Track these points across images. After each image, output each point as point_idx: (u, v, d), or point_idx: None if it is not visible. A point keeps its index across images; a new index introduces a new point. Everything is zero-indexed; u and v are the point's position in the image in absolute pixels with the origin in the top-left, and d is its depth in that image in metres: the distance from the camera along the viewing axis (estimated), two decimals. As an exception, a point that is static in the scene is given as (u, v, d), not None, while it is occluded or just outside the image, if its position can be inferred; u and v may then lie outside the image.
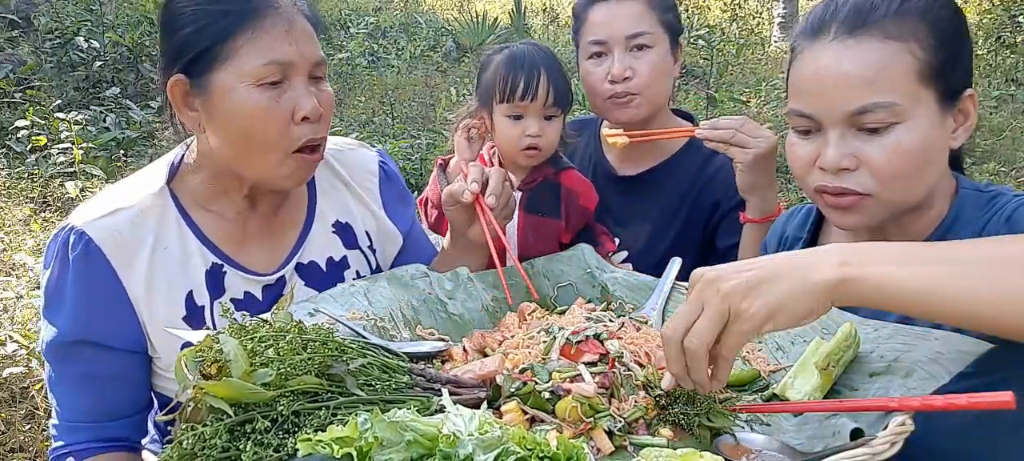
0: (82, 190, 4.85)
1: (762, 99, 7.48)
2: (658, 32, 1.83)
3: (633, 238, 1.93)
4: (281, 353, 1.01)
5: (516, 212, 1.73)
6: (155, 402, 1.47)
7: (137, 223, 1.37)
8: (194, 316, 1.39)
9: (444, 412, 0.97)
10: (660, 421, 1.11)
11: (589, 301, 1.54)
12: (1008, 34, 8.36)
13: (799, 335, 1.31)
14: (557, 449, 0.87)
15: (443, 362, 1.28)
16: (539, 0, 12.24)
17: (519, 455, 0.85)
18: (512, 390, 1.10)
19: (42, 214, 4.88)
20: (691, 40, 7.64)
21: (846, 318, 1.25)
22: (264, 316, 1.12)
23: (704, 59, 7.39)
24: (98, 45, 7.26)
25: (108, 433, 1.40)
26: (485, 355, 1.29)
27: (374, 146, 1.73)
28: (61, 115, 5.43)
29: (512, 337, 1.34)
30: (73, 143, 5.14)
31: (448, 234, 1.63)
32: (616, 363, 1.17)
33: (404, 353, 1.20)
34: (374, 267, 1.59)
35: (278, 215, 1.50)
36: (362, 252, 1.58)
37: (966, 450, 1.16)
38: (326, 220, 1.55)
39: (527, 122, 1.72)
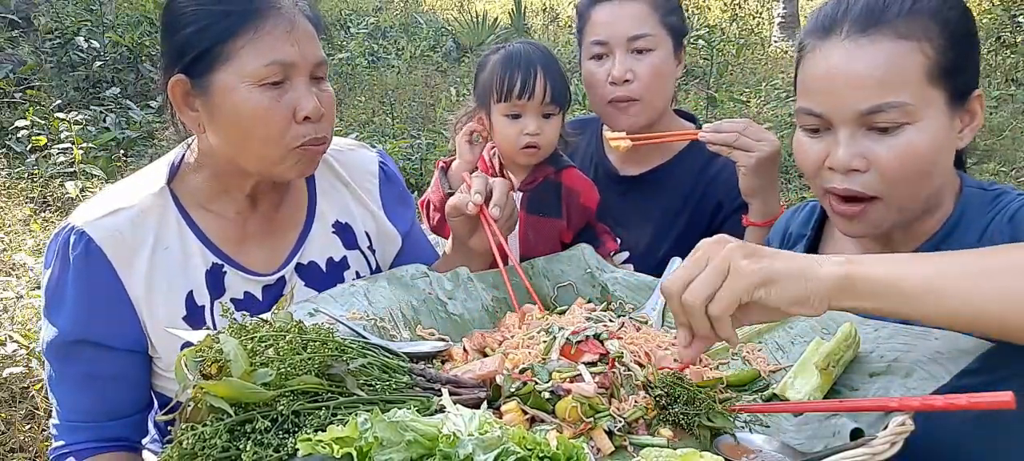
0: (82, 190, 4.85)
1: (762, 99, 7.48)
2: (661, 34, 1.82)
3: (635, 238, 1.92)
4: (281, 353, 1.01)
5: (518, 212, 1.74)
6: (155, 402, 1.47)
7: (137, 223, 1.37)
8: (194, 316, 1.39)
9: (444, 412, 0.97)
10: (660, 421, 1.11)
11: (589, 301, 1.54)
12: (1008, 34, 8.36)
13: (799, 335, 1.31)
14: (557, 449, 0.87)
15: (443, 362, 1.28)
16: (539, 0, 12.24)
17: (519, 455, 0.85)
18: (512, 390, 1.10)
19: (42, 214, 4.88)
20: (691, 40, 7.63)
21: (846, 318, 1.25)
22: (264, 316, 1.12)
23: (704, 59, 7.39)
24: (98, 45, 7.26)
25: (108, 433, 1.41)
26: (485, 355, 1.29)
27: (374, 146, 1.73)
28: (61, 115, 5.43)
29: (512, 337, 1.34)
30: (73, 143, 5.14)
31: (450, 240, 1.63)
32: (616, 363, 1.17)
33: (404, 353, 1.20)
34: (374, 267, 1.60)
35: (278, 215, 1.50)
36: (362, 253, 1.58)
37: (966, 449, 1.16)
38: (326, 220, 1.55)
39: (525, 121, 1.72)
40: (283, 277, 1.48)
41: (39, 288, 1.53)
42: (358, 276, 1.55)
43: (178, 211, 1.41)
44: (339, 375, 1.04)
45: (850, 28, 1.17)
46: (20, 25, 7.93)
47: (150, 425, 1.51)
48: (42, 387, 2.91)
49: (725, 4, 11.26)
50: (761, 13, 11.27)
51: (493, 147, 1.79)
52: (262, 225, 1.48)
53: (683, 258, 1.60)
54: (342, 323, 1.28)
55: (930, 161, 1.16)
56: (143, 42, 7.39)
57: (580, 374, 1.14)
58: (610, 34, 1.81)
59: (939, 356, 1.07)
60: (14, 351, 3.14)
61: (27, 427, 2.93)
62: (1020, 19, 8.50)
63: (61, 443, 1.41)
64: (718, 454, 0.98)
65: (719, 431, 1.09)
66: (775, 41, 10.08)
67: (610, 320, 1.40)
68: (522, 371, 1.15)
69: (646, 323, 1.42)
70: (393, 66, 9.07)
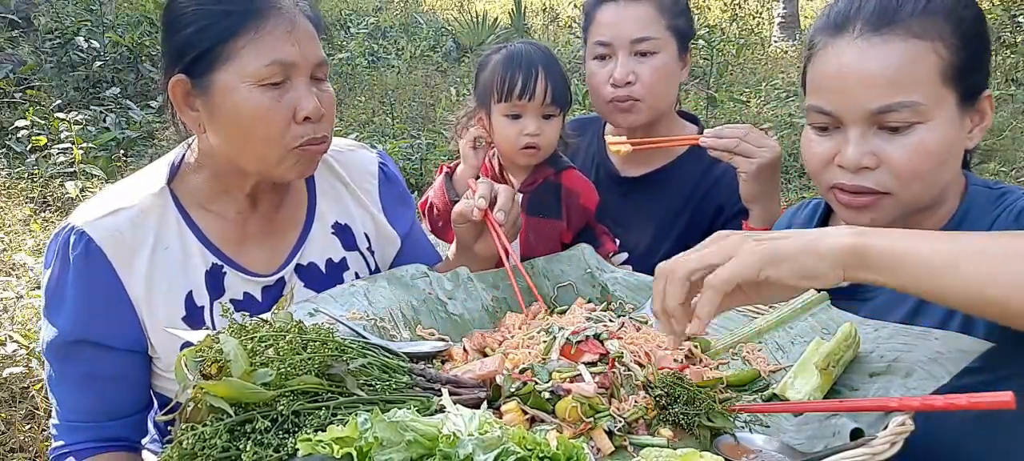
0: (82, 190, 4.85)
1: (762, 99, 7.48)
2: (665, 37, 1.81)
3: (635, 239, 1.92)
4: (281, 353, 1.01)
5: (521, 220, 1.74)
6: (155, 402, 1.47)
7: (137, 223, 1.37)
8: (194, 316, 1.39)
9: (444, 412, 0.97)
10: (660, 421, 1.11)
11: (589, 301, 1.54)
12: (1008, 34, 8.36)
13: (799, 335, 1.31)
14: (557, 449, 0.87)
15: (443, 362, 1.28)
16: (539, 0, 12.24)
17: (519, 455, 0.85)
18: (512, 390, 1.10)
19: (42, 214, 4.88)
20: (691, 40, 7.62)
21: (846, 318, 1.25)
22: (264, 316, 1.12)
23: (704, 59, 7.38)
24: (98, 45, 7.26)
25: (108, 433, 1.40)
26: (485, 355, 1.29)
27: (375, 147, 1.73)
28: (61, 115, 5.43)
29: (512, 337, 1.34)
30: (73, 143, 5.14)
31: (454, 246, 1.64)
32: (616, 363, 1.17)
33: (404, 353, 1.20)
34: (373, 268, 1.59)
35: (278, 216, 1.50)
36: (361, 254, 1.58)
37: (966, 449, 1.16)
38: (326, 221, 1.55)
39: (525, 121, 1.72)
40: (282, 278, 1.48)
41: (39, 288, 1.53)
42: (357, 277, 1.55)
43: (178, 211, 1.41)
44: (339, 375, 1.04)
45: (863, 26, 1.17)
46: (20, 25, 7.93)
47: (150, 425, 1.51)
48: (42, 387, 2.91)
49: (725, 4, 11.25)
50: (761, 13, 11.27)
51: (493, 149, 1.79)
52: (262, 226, 1.48)
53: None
54: (342, 323, 1.28)
55: (940, 160, 1.16)
56: (143, 42, 7.39)
57: (580, 374, 1.14)
58: (614, 35, 1.81)
59: (939, 356, 1.07)
60: (14, 351, 3.13)
61: (27, 427, 2.93)
62: (1020, 19, 8.50)
63: (61, 443, 1.40)
64: (718, 454, 0.98)
65: (719, 431, 1.09)
66: (775, 41, 10.08)
67: (610, 320, 1.40)
68: (522, 371, 1.15)
69: (646, 323, 1.42)
70: (393, 66, 9.07)
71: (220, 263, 1.42)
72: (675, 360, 1.25)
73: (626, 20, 1.80)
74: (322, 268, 1.52)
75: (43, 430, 2.87)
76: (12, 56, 7.11)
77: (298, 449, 0.87)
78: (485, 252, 1.55)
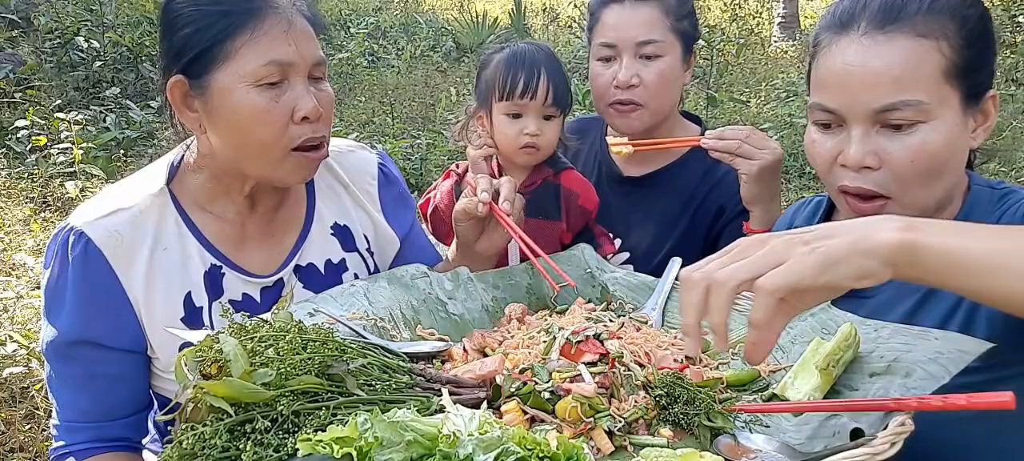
0: (82, 190, 4.86)
1: (762, 99, 7.48)
2: (670, 40, 1.81)
3: (636, 239, 1.92)
4: (281, 353, 1.01)
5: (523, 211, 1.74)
6: (155, 402, 1.47)
7: (137, 224, 1.37)
8: (192, 317, 1.39)
9: (444, 412, 0.97)
10: (660, 421, 1.11)
11: (589, 301, 1.54)
12: (1008, 34, 8.37)
13: (799, 335, 1.31)
14: (557, 449, 0.87)
15: (443, 362, 1.28)
16: (539, 0, 12.24)
17: (519, 455, 0.85)
18: (512, 390, 1.10)
19: (42, 214, 4.88)
20: (691, 40, 7.62)
21: (846, 318, 1.25)
22: (264, 316, 1.12)
23: (704, 59, 7.38)
24: (98, 45, 7.26)
25: (108, 433, 1.40)
26: (485, 355, 1.29)
27: (374, 147, 1.73)
28: (61, 115, 5.43)
29: (512, 337, 1.34)
30: (73, 143, 5.14)
31: (453, 246, 1.63)
32: (616, 363, 1.17)
33: (404, 353, 1.20)
34: (372, 270, 1.59)
35: (277, 217, 1.50)
36: (360, 255, 1.58)
37: (966, 449, 1.16)
38: (325, 222, 1.55)
39: (526, 120, 1.72)
40: (281, 279, 1.48)
41: (39, 288, 1.52)
42: (356, 278, 1.55)
43: (177, 212, 1.41)
44: (339, 375, 1.04)
45: (868, 25, 1.16)
46: (20, 25, 7.93)
47: (150, 425, 1.51)
48: (42, 387, 2.91)
49: (725, 4, 11.25)
50: (761, 13, 11.27)
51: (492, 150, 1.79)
52: (261, 227, 1.48)
53: (683, 260, 1.62)
54: (342, 323, 1.28)
55: (943, 160, 1.16)
56: (143, 42, 7.40)
57: (580, 374, 1.14)
58: (619, 37, 1.80)
59: (939, 356, 1.07)
60: (14, 351, 3.13)
61: (27, 427, 2.93)
62: (1020, 19, 8.51)
63: (61, 443, 1.40)
64: (718, 454, 0.98)
65: (719, 431, 1.09)
66: (775, 41, 10.08)
67: (610, 320, 1.40)
68: (522, 371, 1.15)
69: (646, 323, 1.42)
70: (393, 66, 9.07)
71: (219, 264, 1.42)
72: (675, 360, 1.25)
73: (631, 23, 1.79)
74: (321, 269, 1.52)
75: (43, 430, 2.88)
76: (12, 56, 7.11)
77: (298, 449, 0.87)
78: (488, 250, 1.54)
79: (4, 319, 3.41)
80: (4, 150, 5.74)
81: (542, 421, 1.07)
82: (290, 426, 0.96)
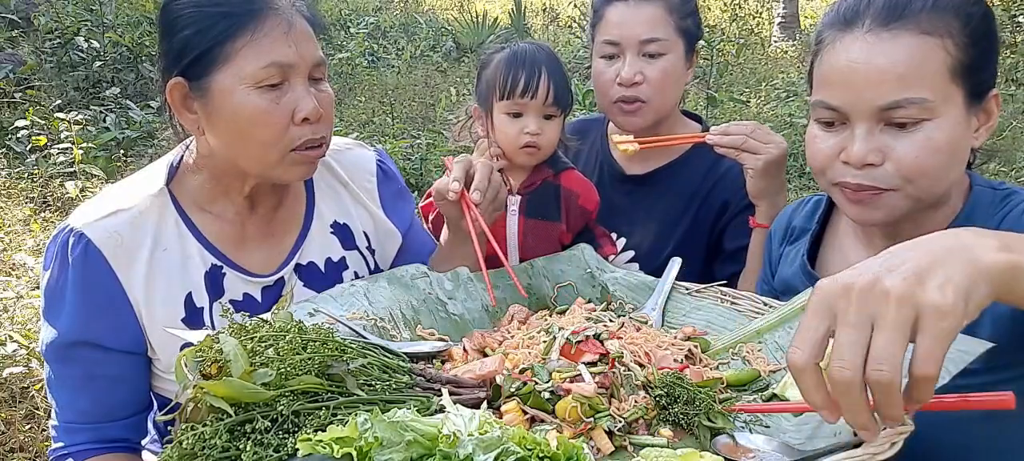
0: (82, 190, 4.85)
1: (762, 99, 7.48)
2: (673, 39, 1.81)
3: (640, 237, 1.92)
4: (281, 353, 1.01)
5: (517, 217, 1.74)
6: (155, 403, 1.47)
7: (136, 224, 1.37)
8: (193, 317, 1.39)
9: (444, 412, 0.97)
10: (660, 421, 1.11)
11: (589, 301, 1.54)
12: (1008, 34, 8.37)
13: (799, 335, 1.31)
14: (557, 449, 0.87)
15: (443, 362, 1.28)
16: (539, 0, 12.23)
17: (519, 455, 0.85)
18: (512, 390, 1.10)
19: (42, 214, 4.88)
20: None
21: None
22: (264, 316, 1.12)
23: (704, 59, 7.38)
24: (98, 45, 7.25)
25: (108, 434, 1.41)
26: (485, 355, 1.29)
27: (373, 146, 1.73)
28: (61, 115, 5.42)
29: (512, 337, 1.34)
30: (73, 143, 5.14)
31: (444, 227, 1.63)
32: (616, 363, 1.17)
33: (404, 353, 1.20)
34: (372, 267, 1.59)
35: (277, 216, 1.50)
36: (360, 253, 1.58)
37: (966, 449, 1.16)
38: (325, 221, 1.55)
39: (526, 120, 1.72)
40: (282, 278, 1.48)
41: (39, 288, 1.52)
42: (357, 276, 1.55)
43: (177, 212, 1.41)
44: (339, 375, 1.04)
45: (872, 22, 1.16)
46: (20, 25, 7.93)
47: (150, 425, 1.51)
48: (42, 387, 2.91)
49: (725, 4, 11.25)
50: (761, 13, 11.27)
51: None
52: (261, 226, 1.48)
53: (684, 260, 1.62)
54: (342, 323, 1.28)
55: (946, 158, 1.15)
56: (143, 42, 7.39)
57: (580, 374, 1.14)
58: (622, 35, 1.81)
59: (939, 356, 1.07)
60: (14, 351, 3.13)
61: (27, 427, 2.93)
62: (1020, 19, 8.51)
63: (61, 444, 1.41)
64: (718, 454, 0.98)
65: (719, 431, 1.09)
66: (775, 41, 10.08)
67: (610, 320, 1.40)
68: (522, 371, 1.15)
69: (646, 323, 1.42)
70: (393, 66, 9.07)
71: (219, 264, 1.42)
72: (675, 360, 1.25)
73: (635, 20, 1.80)
74: (321, 267, 1.52)
75: (43, 430, 2.87)
76: (12, 56, 7.10)
77: (298, 449, 0.87)
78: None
79: (4, 319, 3.41)
80: (4, 150, 5.74)
81: (542, 421, 1.07)
82: (290, 426, 0.96)
